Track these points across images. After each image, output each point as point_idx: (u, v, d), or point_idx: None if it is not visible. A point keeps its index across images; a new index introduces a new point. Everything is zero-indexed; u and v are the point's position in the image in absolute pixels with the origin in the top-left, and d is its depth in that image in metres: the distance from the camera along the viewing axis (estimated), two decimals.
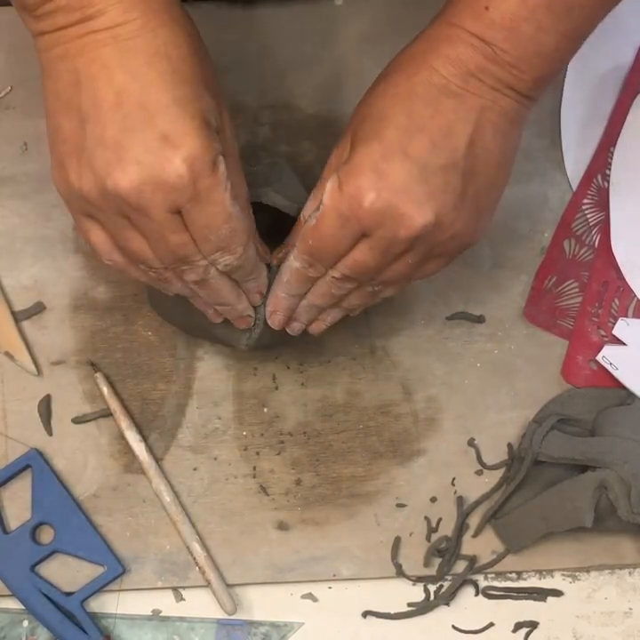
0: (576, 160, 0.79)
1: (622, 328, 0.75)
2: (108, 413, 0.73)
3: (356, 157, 0.58)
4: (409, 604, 0.71)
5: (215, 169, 0.55)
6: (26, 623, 0.70)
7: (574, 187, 0.78)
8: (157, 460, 0.72)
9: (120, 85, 0.54)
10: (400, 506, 0.72)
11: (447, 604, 0.71)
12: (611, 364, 0.73)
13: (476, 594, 0.72)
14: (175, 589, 0.71)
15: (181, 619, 0.71)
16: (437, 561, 0.72)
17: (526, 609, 0.72)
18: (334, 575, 0.71)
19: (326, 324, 0.66)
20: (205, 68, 0.58)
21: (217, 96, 0.58)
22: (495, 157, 0.60)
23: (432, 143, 0.58)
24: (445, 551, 0.72)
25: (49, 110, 0.57)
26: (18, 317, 0.74)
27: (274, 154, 0.77)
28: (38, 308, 0.74)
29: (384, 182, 0.57)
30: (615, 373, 0.73)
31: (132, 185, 0.54)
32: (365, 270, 0.60)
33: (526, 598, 0.72)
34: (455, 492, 0.73)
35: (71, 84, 0.56)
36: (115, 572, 0.70)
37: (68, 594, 0.70)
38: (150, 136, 0.54)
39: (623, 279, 0.76)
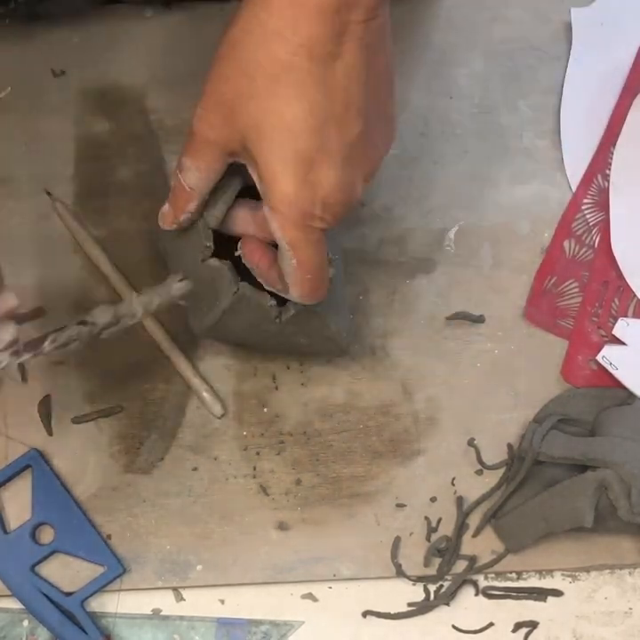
0: (576, 160, 0.79)
1: (622, 328, 0.75)
2: (108, 413, 0.73)
3: (282, 181, 0.57)
4: (409, 604, 0.71)
5: None
6: (26, 623, 0.70)
7: (574, 187, 0.78)
8: None
9: None
10: (400, 506, 0.72)
11: (447, 604, 0.71)
12: (611, 363, 0.73)
13: (476, 594, 0.72)
14: (175, 589, 0.71)
15: (181, 618, 0.71)
16: (437, 561, 0.72)
17: (526, 609, 0.72)
18: (334, 575, 0.71)
19: None
20: None
21: None
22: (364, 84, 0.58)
23: (337, 125, 0.56)
24: (445, 551, 0.72)
25: None
26: (17, 321, 0.73)
27: None
28: (38, 313, 0.74)
29: (321, 188, 0.57)
30: (615, 373, 0.73)
31: None
32: None
33: (526, 598, 0.72)
34: (455, 492, 0.73)
35: None
36: (115, 572, 0.70)
37: (68, 594, 0.70)
38: None
39: (623, 279, 0.76)
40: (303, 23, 0.54)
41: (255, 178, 0.59)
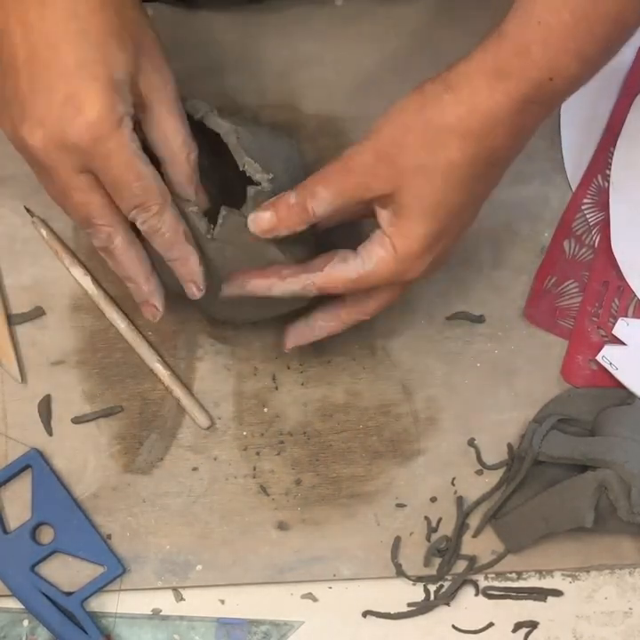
0: (576, 160, 0.79)
1: (622, 328, 0.75)
2: (108, 413, 0.73)
3: (414, 234, 0.61)
4: (409, 604, 0.71)
5: (119, 131, 0.57)
6: (26, 623, 0.70)
7: (574, 187, 0.78)
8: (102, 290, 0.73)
9: (32, 43, 0.56)
10: (400, 506, 0.72)
11: (447, 604, 0.71)
12: (611, 363, 0.73)
13: (476, 594, 0.72)
14: (175, 589, 0.71)
15: (181, 618, 0.71)
16: (437, 561, 0.72)
17: (526, 609, 0.72)
18: (334, 575, 0.71)
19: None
20: (122, 15, 0.58)
21: (139, 43, 0.59)
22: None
23: (468, 221, 0.64)
24: (445, 551, 0.72)
25: None
26: (17, 321, 0.74)
27: None
28: (38, 313, 0.74)
29: (433, 262, 0.63)
30: (615, 373, 0.73)
31: (37, 144, 0.57)
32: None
33: (526, 598, 0.72)
34: (455, 492, 0.73)
35: None
36: (115, 572, 0.70)
37: (68, 594, 0.70)
38: (54, 98, 0.56)
39: (623, 279, 0.76)
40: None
41: (384, 221, 0.62)
